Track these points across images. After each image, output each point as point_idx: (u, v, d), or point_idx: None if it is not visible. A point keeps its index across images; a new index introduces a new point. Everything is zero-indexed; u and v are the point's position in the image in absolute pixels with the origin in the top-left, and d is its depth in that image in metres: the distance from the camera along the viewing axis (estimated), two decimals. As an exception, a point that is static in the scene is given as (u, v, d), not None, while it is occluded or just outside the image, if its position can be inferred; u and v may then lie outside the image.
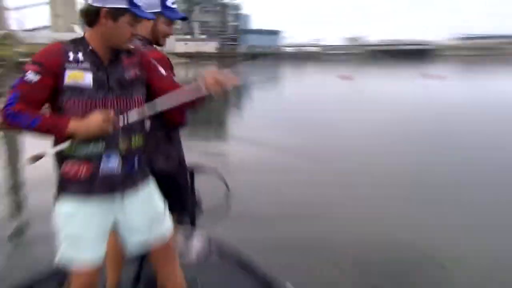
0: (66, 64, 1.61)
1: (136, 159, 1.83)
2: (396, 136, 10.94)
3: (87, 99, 1.64)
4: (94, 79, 1.66)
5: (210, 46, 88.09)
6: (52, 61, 1.60)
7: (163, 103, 1.73)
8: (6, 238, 4.88)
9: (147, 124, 2.12)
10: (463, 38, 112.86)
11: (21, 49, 24.57)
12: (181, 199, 2.57)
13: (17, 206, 6.44)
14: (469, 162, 8.13)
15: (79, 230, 1.72)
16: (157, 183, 2.07)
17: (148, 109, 1.74)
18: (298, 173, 7.29)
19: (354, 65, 47.92)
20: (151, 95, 1.84)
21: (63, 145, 1.62)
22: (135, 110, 1.72)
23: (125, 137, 1.74)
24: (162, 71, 1.92)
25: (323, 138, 10.69)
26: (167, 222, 1.97)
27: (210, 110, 17.84)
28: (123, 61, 1.77)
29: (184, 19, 2.80)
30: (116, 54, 1.75)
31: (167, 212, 2.01)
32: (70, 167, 1.68)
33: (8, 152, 10.59)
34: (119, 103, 1.72)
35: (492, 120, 13.18)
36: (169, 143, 2.45)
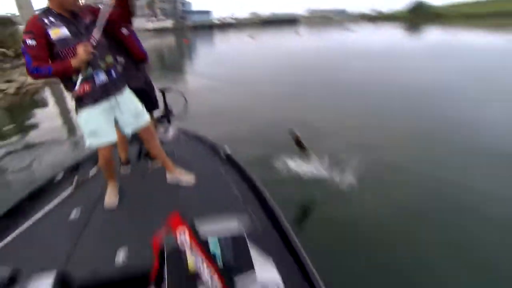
0: (46, 27, 1.39)
1: (113, 71, 1.63)
2: (283, 66, 10.80)
3: (71, 44, 1.44)
4: (69, 30, 1.44)
5: (168, 23, 78.45)
6: (37, 28, 1.38)
7: (103, 13, 1.49)
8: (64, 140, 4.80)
9: (121, 59, 1.94)
10: (312, 11, 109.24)
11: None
12: (153, 105, 2.30)
13: (69, 125, 6.02)
14: (322, 73, 8.70)
15: (96, 126, 1.60)
16: (137, 97, 1.83)
17: (99, 25, 1.49)
18: (229, 92, 6.99)
19: (255, 30, 44.92)
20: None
21: (80, 79, 1.48)
22: (94, 31, 1.48)
23: (101, 58, 1.56)
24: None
25: (243, 72, 10.13)
26: (145, 115, 1.80)
27: (173, 60, 16.77)
28: (79, 15, 1.50)
29: None
30: (72, 11, 1.48)
31: (145, 110, 1.82)
32: (79, 90, 1.51)
33: (55, 96, 9.68)
34: (89, 40, 1.48)
35: (327, 53, 14.27)
36: (137, 71, 2.11)
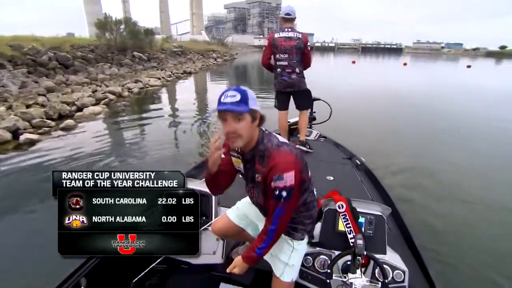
0: None
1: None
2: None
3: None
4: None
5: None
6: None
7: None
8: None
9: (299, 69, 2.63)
10: (418, 43, 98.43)
11: (175, 44, 26.01)
12: (310, 104, 2.89)
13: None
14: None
15: None
16: (304, 94, 2.60)
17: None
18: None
19: (355, 55, 43.16)
20: None
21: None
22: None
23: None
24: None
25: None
26: None
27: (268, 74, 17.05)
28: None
29: None
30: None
31: None
32: None
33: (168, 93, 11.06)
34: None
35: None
36: (303, 78, 2.67)
